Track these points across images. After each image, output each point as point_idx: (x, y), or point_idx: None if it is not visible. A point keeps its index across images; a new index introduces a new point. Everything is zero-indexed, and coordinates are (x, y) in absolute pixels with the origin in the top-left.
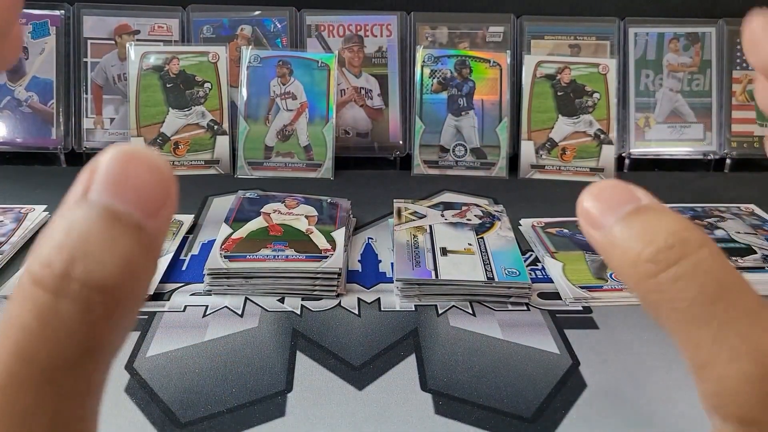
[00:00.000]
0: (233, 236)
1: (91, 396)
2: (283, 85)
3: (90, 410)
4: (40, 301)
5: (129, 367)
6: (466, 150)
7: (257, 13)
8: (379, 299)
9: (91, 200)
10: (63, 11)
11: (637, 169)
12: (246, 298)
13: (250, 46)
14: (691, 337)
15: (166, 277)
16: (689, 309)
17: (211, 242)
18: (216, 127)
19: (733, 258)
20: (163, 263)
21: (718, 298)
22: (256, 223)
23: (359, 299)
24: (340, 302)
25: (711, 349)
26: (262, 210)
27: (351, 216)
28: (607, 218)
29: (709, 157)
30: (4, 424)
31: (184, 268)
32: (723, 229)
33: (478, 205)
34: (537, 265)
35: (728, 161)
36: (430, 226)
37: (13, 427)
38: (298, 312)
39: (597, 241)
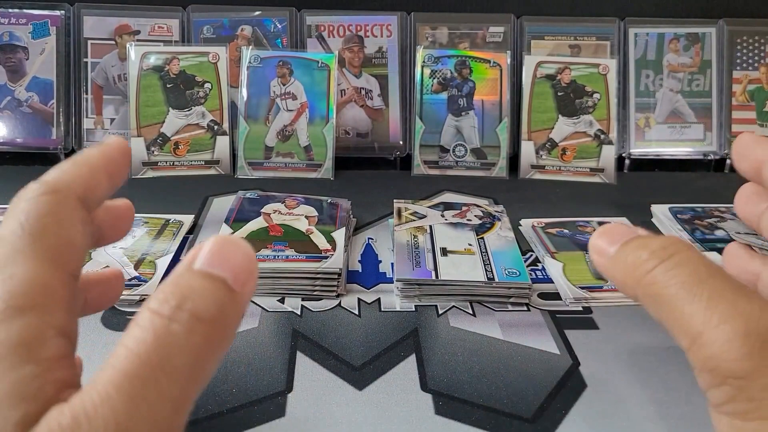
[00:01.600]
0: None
1: (183, 404)
2: (283, 85)
3: (180, 415)
4: (157, 325)
5: None
6: (466, 150)
7: (257, 13)
8: (379, 299)
9: (196, 267)
10: (63, 11)
11: (637, 170)
12: None
13: (250, 47)
14: (685, 312)
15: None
16: (682, 288)
17: None
18: (216, 127)
19: None
20: (164, 264)
21: (707, 278)
22: (256, 224)
23: (359, 299)
24: (340, 302)
25: (703, 318)
26: (262, 210)
27: (351, 216)
28: (612, 247)
29: (709, 158)
30: (125, 406)
31: None
32: (723, 229)
33: (478, 206)
34: (537, 266)
35: (728, 161)
36: (430, 227)
37: (129, 410)
38: (298, 312)
39: (603, 265)
